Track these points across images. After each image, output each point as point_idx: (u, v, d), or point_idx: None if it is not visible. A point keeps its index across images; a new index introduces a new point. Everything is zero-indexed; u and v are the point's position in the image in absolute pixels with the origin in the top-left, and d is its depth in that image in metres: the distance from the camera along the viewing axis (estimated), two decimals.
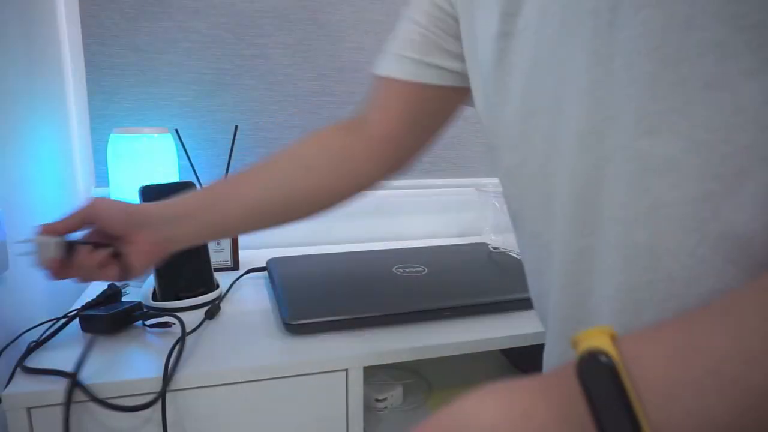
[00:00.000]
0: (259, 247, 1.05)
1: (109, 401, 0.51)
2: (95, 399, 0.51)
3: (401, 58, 0.52)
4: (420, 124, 0.55)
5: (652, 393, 0.23)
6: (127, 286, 0.72)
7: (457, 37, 0.48)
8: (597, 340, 0.25)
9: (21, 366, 0.54)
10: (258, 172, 0.58)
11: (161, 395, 0.52)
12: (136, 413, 0.53)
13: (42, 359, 0.56)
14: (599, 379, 0.24)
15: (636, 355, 0.24)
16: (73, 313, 0.65)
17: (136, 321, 0.64)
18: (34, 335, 0.61)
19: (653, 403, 0.23)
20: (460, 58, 0.48)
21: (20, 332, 0.62)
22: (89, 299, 0.67)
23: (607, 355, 0.24)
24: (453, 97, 0.53)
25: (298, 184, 0.56)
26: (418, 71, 0.51)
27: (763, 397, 0.22)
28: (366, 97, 0.57)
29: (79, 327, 0.64)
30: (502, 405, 0.27)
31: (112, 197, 0.81)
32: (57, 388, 0.51)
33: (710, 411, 0.22)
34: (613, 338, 0.25)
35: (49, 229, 0.52)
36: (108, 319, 0.62)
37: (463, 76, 0.49)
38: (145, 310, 0.66)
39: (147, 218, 0.53)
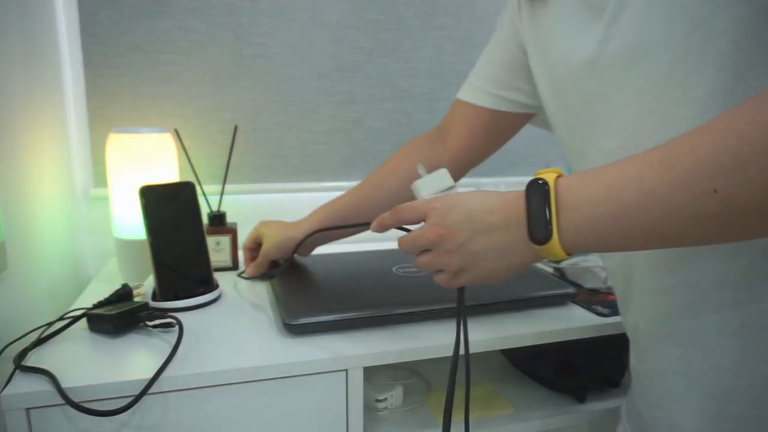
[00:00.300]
0: None
1: (84, 404, 0.50)
2: (71, 402, 0.50)
3: (477, 89, 0.69)
4: (491, 137, 0.72)
5: (566, 201, 0.40)
6: (140, 286, 0.72)
7: (525, 77, 0.64)
8: (544, 174, 0.41)
9: (19, 365, 0.54)
10: (371, 191, 0.76)
11: (137, 398, 0.52)
12: (133, 414, 0.53)
13: (44, 357, 0.56)
14: (535, 190, 0.41)
15: (565, 183, 0.41)
16: (80, 312, 0.64)
17: (141, 321, 0.64)
18: (33, 334, 0.61)
19: (566, 206, 0.40)
20: (526, 93, 0.65)
21: (19, 332, 0.61)
22: (91, 298, 0.67)
23: (544, 180, 0.41)
24: (519, 119, 0.70)
25: (400, 197, 0.62)
26: (491, 100, 0.68)
27: (629, 209, 0.37)
28: (449, 114, 0.74)
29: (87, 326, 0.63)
30: (477, 197, 0.46)
31: (112, 198, 0.81)
32: (55, 388, 0.50)
33: (595, 216, 0.38)
34: (558, 175, 0.41)
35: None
36: (113, 318, 0.62)
37: (527, 105, 0.67)
38: (150, 310, 0.66)
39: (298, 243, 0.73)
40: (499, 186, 1.12)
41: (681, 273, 0.45)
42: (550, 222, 0.40)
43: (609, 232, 0.38)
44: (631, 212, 0.36)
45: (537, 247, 0.41)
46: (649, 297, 0.48)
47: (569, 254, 0.41)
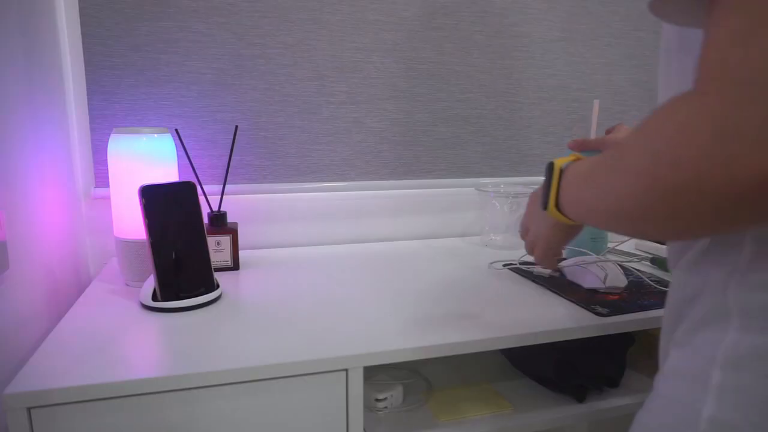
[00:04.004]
0: (259, 247, 1.06)
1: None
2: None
3: None
4: None
5: (566, 177, 0.49)
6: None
7: None
8: (561, 160, 0.51)
9: None
10: None
11: None
12: (134, 413, 0.53)
13: (45, 357, 0.56)
14: (546, 171, 0.52)
15: (574, 164, 0.49)
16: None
17: None
18: (34, 334, 0.61)
19: (565, 181, 0.49)
20: None
21: (19, 332, 0.61)
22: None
23: (552, 163, 0.51)
24: None
25: None
26: None
27: (590, 202, 0.43)
28: None
29: None
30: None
31: (113, 198, 0.81)
32: (56, 387, 0.51)
33: (579, 196, 0.46)
34: (576, 159, 0.50)
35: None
36: None
37: None
38: None
39: None
40: (500, 186, 1.12)
41: None
42: (547, 194, 0.51)
43: (580, 206, 0.46)
44: (584, 189, 0.44)
45: (545, 211, 0.52)
46: None
47: (571, 219, 0.50)
